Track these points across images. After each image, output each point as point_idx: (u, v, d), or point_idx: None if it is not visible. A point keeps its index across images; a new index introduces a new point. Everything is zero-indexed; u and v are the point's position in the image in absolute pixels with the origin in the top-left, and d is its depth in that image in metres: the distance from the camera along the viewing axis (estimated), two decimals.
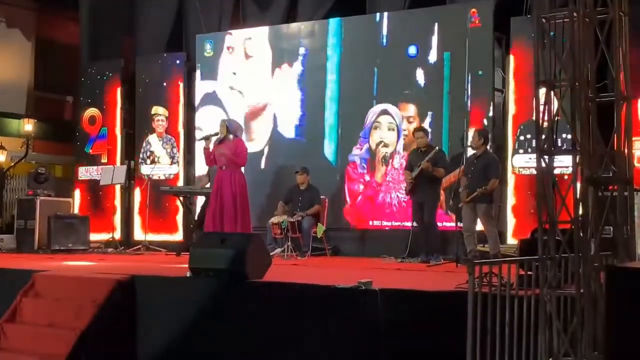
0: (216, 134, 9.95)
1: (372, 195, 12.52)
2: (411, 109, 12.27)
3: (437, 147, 10.91)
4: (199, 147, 11.94)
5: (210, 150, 9.90)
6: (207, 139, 9.97)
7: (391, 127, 12.54)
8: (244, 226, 9.44)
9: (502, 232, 10.97)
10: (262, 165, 13.51)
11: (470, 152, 10.53)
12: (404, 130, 12.29)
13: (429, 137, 11.27)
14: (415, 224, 11.11)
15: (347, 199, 12.70)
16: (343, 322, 6.46)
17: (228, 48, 13.96)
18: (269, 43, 13.58)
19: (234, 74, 13.78)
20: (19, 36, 16.99)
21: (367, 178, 12.59)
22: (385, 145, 12.52)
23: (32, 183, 14.15)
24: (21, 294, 8.02)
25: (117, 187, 14.50)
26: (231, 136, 9.66)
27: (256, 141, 13.52)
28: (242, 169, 10.06)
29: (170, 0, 14.95)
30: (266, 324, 6.85)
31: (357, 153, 12.71)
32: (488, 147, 10.42)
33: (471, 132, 10.75)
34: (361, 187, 12.62)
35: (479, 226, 10.25)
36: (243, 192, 9.63)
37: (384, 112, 12.58)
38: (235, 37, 13.96)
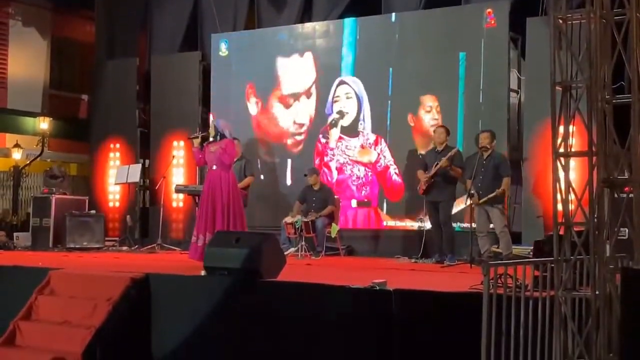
0: (205, 135, 10.01)
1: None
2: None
3: (455, 148, 10.85)
4: None
5: (200, 150, 9.90)
6: (195, 138, 10.01)
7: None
8: (237, 226, 9.39)
9: (518, 233, 10.93)
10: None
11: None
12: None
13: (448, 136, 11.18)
14: (430, 224, 11.09)
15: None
16: (357, 323, 6.46)
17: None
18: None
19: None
20: (35, 35, 17.02)
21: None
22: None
23: (48, 181, 14.21)
24: (36, 291, 8.04)
25: None
26: (219, 136, 9.70)
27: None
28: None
29: None
30: (280, 323, 6.86)
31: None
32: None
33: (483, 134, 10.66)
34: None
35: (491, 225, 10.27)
36: (235, 192, 9.57)
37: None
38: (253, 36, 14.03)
